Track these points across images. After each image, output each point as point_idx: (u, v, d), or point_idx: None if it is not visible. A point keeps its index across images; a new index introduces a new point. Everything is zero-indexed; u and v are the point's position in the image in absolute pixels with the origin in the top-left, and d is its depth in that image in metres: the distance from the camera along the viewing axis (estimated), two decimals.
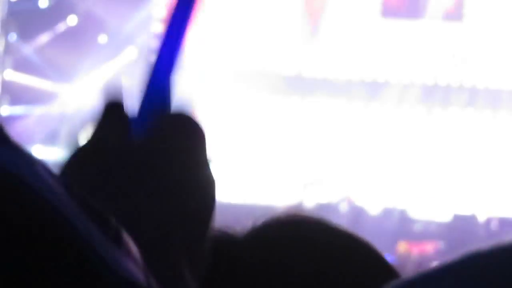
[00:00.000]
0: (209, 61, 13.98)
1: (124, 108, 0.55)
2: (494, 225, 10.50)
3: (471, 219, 10.75)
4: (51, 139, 11.19)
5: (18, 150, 0.41)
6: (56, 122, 11.49)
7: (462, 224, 10.51)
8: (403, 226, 10.64)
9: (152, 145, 0.54)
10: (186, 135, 0.55)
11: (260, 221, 0.66)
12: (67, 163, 0.54)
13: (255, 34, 14.17)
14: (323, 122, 16.69)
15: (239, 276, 0.63)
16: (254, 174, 14.21)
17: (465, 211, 11.98)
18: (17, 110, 12.03)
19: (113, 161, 0.53)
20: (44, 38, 12.12)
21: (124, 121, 0.55)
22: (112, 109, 0.55)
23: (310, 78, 16.14)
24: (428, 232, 10.59)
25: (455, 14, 15.98)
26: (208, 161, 0.56)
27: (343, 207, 11.73)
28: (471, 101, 17.09)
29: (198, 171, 0.55)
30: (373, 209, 11.95)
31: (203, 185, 0.55)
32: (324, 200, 12.17)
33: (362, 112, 17.14)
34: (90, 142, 0.54)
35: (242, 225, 0.67)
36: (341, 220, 9.57)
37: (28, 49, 12.08)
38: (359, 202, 12.35)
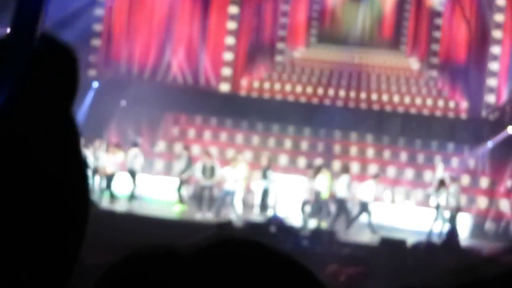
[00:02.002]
0: None
1: None
2: (421, 250, 10.52)
3: (399, 244, 10.77)
4: None
5: None
6: None
7: (390, 249, 10.50)
8: (331, 248, 10.58)
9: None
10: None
11: (196, 238, 0.67)
12: None
13: None
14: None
15: None
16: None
17: (393, 236, 11.99)
18: None
19: None
20: None
21: None
22: None
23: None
24: (356, 256, 10.54)
25: None
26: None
27: (272, 228, 11.64)
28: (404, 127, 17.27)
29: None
30: (302, 230, 11.89)
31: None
32: (253, 220, 12.07)
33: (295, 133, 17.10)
34: None
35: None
36: (270, 240, 9.45)
37: None
38: (288, 223, 12.26)
